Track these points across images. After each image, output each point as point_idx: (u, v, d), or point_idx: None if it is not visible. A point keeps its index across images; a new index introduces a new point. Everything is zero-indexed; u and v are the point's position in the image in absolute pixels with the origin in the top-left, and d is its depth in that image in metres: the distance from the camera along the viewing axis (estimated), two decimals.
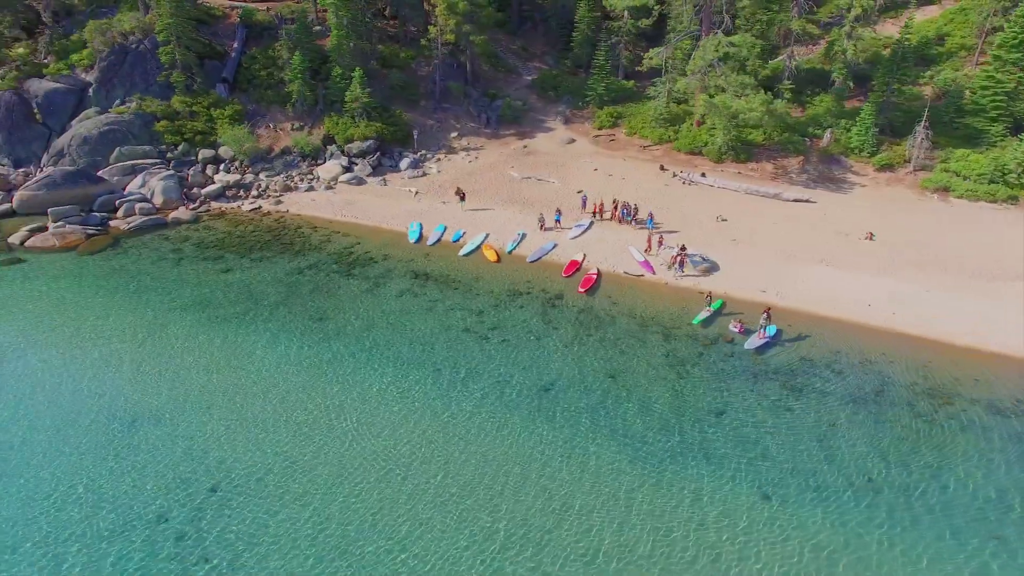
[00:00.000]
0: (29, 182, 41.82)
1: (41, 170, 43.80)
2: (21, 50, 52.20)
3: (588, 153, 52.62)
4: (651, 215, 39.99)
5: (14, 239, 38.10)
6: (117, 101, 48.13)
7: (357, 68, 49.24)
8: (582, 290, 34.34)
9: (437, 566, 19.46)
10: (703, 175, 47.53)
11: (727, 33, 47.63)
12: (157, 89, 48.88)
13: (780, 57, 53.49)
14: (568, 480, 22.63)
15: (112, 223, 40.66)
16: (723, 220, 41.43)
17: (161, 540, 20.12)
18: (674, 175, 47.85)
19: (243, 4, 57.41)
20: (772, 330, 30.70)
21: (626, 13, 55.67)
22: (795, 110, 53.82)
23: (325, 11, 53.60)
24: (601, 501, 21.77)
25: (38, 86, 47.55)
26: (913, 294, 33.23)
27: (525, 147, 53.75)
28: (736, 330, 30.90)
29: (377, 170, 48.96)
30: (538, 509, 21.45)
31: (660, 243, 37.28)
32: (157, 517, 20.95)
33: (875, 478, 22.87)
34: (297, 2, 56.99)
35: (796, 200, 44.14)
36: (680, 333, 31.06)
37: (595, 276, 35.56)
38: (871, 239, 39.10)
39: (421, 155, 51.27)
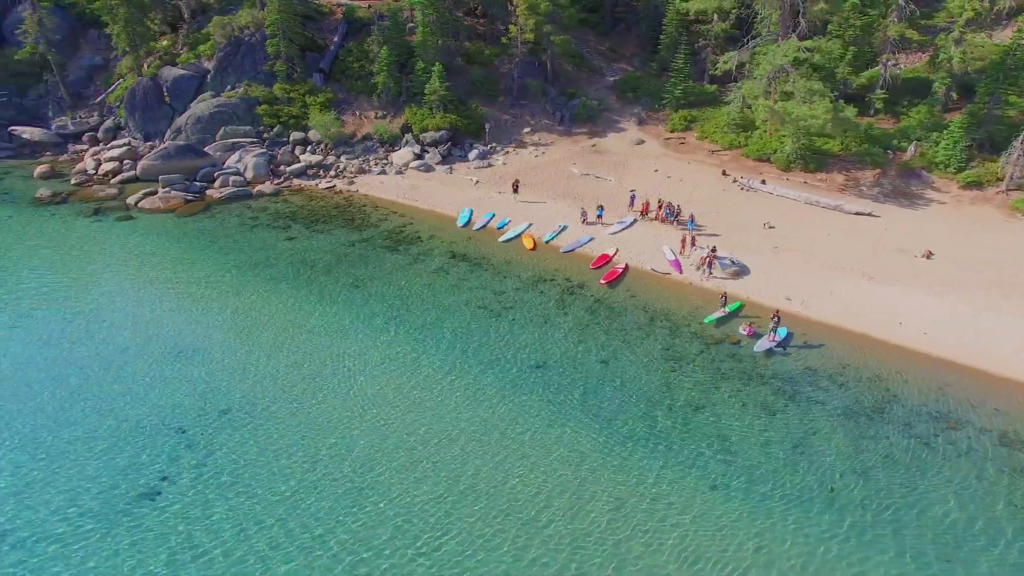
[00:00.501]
0: (150, 153, 48.60)
1: (162, 144, 50.62)
2: (165, 43, 60.37)
3: (655, 155, 52.85)
4: (692, 216, 40.08)
5: (131, 200, 44.64)
6: (229, 86, 54.52)
7: (436, 63, 52.55)
8: (603, 282, 35.35)
9: (403, 488, 21.76)
10: (763, 182, 46.53)
11: (803, 37, 46.24)
12: (263, 77, 54.81)
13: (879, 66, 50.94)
14: (532, 448, 24.13)
15: (208, 192, 46.44)
16: (770, 227, 40.63)
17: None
18: (734, 180, 47.17)
19: (347, 2, 62.57)
20: (783, 332, 30.35)
21: (715, 16, 55.28)
22: (885, 121, 51.17)
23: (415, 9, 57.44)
24: (559, 473, 23.08)
25: (169, 72, 54.89)
26: (960, 316, 31.39)
27: (594, 145, 54.85)
28: (745, 332, 30.80)
29: (446, 159, 52.03)
30: (497, 469, 23.16)
31: (692, 244, 37.40)
32: (179, 428, 24.83)
33: (840, 489, 22.52)
34: (395, 0, 61.36)
35: (858, 213, 42.29)
36: (688, 330, 31.40)
37: (621, 270, 36.40)
38: (929, 257, 36.94)
39: (491, 147, 53.84)
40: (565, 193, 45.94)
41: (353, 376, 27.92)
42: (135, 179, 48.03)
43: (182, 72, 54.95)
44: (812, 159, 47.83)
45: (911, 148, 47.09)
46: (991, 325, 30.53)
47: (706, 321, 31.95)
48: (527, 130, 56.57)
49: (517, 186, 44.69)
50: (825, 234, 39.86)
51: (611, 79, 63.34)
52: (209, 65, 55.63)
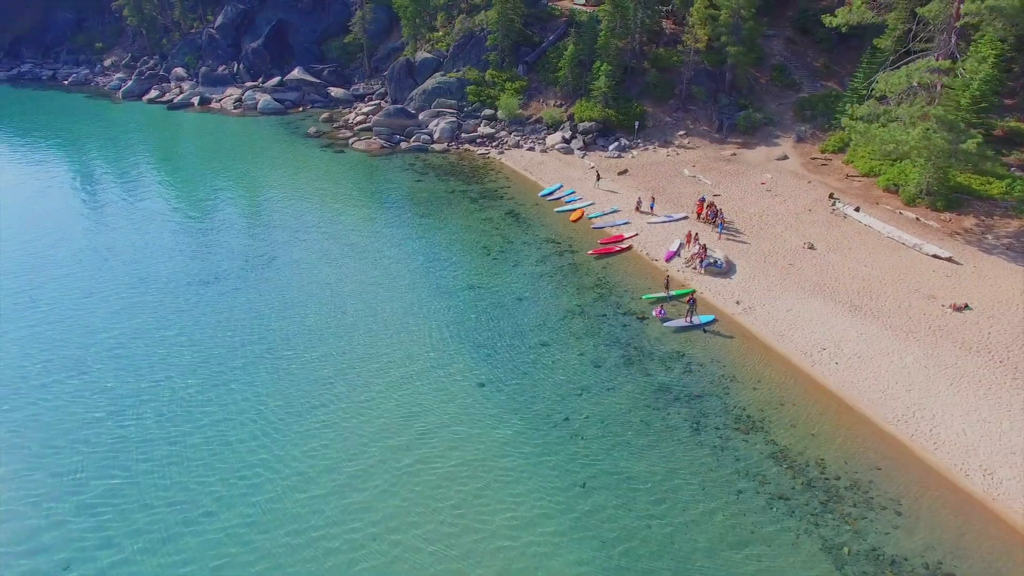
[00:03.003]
0: (380, 112, 66.49)
1: (390, 106, 68.28)
2: (439, 34, 78.73)
3: (786, 170, 51.69)
4: (722, 220, 41.05)
5: (351, 141, 62.69)
6: (456, 69, 69.66)
7: (604, 63, 59.51)
8: (591, 252, 39.96)
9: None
10: (856, 209, 43.21)
11: (951, 59, 41.14)
12: (481, 64, 68.58)
13: None
14: (417, 331, 32.40)
15: (401, 143, 62.06)
16: (810, 247, 39.14)
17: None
18: (832, 205, 44.66)
19: (576, 7, 72.41)
20: (706, 319, 32.15)
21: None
22: None
23: None
24: (420, 360, 31.12)
25: (420, 56, 72.58)
26: (912, 373, 28.69)
27: (733, 155, 55.69)
28: (655, 313, 33.21)
29: (588, 146, 59.03)
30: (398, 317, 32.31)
31: (697, 240, 39.08)
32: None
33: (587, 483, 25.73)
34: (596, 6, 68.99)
35: (935, 256, 37.51)
36: (615, 299, 34.95)
37: (615, 249, 40.33)
38: (960, 310, 32.44)
39: (634, 142, 58.94)
40: (651, 187, 49.48)
41: (381, 251, 39.02)
42: (368, 129, 66.27)
43: (427, 56, 72.03)
44: (943, 197, 42.38)
45: None
46: (941, 403, 27.37)
47: (644, 297, 34.88)
48: (681, 133, 59.76)
49: (599, 175, 50.05)
50: (863, 265, 37.05)
51: (802, 95, 61.47)
52: (447, 52, 71.57)
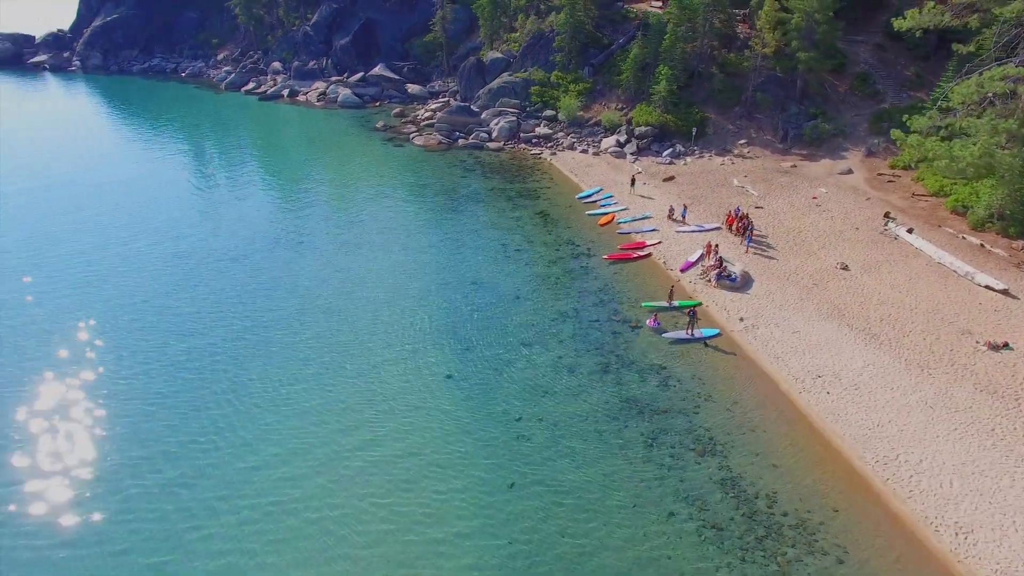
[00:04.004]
0: (444, 111, 67.98)
1: (453, 103, 69.57)
2: (516, 35, 79.31)
3: (846, 186, 47.99)
4: (751, 233, 38.79)
5: (413, 137, 64.52)
6: (523, 69, 69.94)
7: (664, 66, 57.75)
8: (606, 257, 38.96)
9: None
10: (910, 231, 39.39)
11: None
12: (548, 65, 68.44)
13: None
14: (420, 317, 33.10)
15: (460, 140, 63.15)
16: (844, 268, 36.19)
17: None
18: (885, 225, 40.99)
19: (651, 9, 70.56)
20: (709, 333, 30.78)
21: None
22: None
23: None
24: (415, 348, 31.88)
25: (490, 56, 73.44)
26: (911, 411, 26.17)
27: (793, 167, 52.39)
28: (649, 323, 31.95)
29: (641, 151, 57.50)
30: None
31: (716, 252, 37.16)
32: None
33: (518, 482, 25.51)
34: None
35: (987, 287, 33.59)
36: (614, 305, 33.93)
37: (633, 256, 39.09)
38: (997, 349, 28.94)
39: (690, 149, 56.81)
40: (692, 195, 47.49)
41: (400, 241, 40.06)
42: (432, 124, 67.96)
43: (498, 55, 72.80)
44: (1017, 222, 37.93)
45: None
46: (933, 449, 24.76)
47: (643, 305, 33.65)
48: (742, 142, 56.91)
49: (634, 180, 48.61)
50: (896, 290, 33.83)
51: (883, 106, 56.80)
52: (517, 53, 72.00)
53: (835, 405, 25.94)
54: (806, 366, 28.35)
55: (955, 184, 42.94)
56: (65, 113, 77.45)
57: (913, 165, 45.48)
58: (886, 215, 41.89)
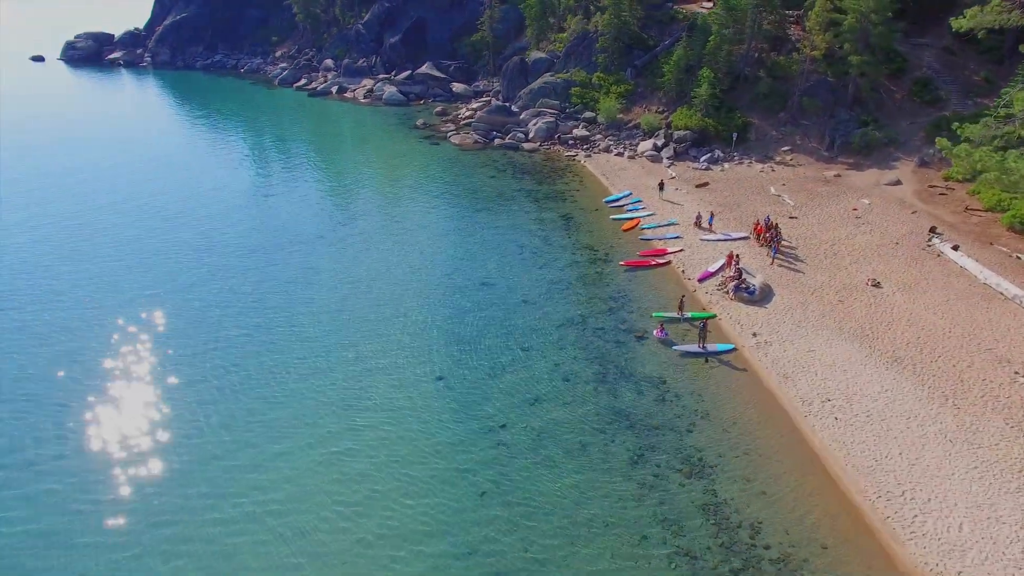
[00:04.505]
0: (483, 110, 67.69)
1: (493, 103, 69.15)
2: (564, 35, 78.38)
3: (892, 198, 45.08)
4: (777, 244, 36.83)
5: (451, 135, 64.48)
6: (566, 70, 68.94)
7: (706, 68, 55.77)
8: (623, 264, 37.69)
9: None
10: (955, 247, 36.54)
11: None
12: (591, 66, 67.22)
13: None
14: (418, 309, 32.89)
15: (496, 140, 62.71)
16: (875, 285, 33.86)
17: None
18: (929, 241, 38.21)
19: (700, 11, 68.27)
20: (723, 348, 29.39)
21: None
22: None
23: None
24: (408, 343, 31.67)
25: (534, 56, 72.71)
26: (943, 443, 24.16)
27: (837, 176, 49.64)
28: (655, 333, 30.63)
29: (679, 156, 55.67)
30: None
31: (738, 262, 35.40)
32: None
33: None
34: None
35: None
36: (626, 314, 32.69)
37: (651, 263, 37.69)
38: None
39: (729, 155, 54.63)
40: (724, 202, 45.56)
41: (418, 239, 40.00)
42: (471, 124, 67.80)
43: (541, 56, 72.03)
44: None
45: None
46: (946, 487, 22.73)
47: (654, 315, 32.30)
48: (786, 148, 54.38)
49: (663, 185, 46.97)
50: (930, 311, 31.36)
51: (943, 114, 53.13)
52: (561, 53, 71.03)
53: (842, 432, 24.10)
54: (817, 388, 26.50)
55: (1015, 198, 39.60)
56: (121, 105, 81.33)
57: (966, 177, 42.23)
58: (931, 230, 39.03)
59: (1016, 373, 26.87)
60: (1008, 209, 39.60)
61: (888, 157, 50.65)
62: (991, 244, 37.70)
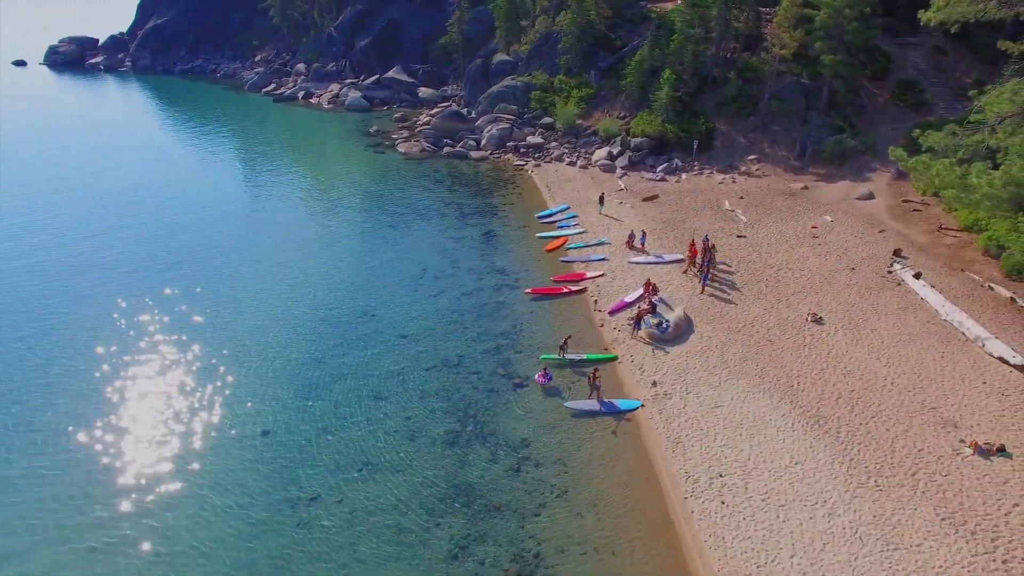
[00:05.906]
0: (437, 116, 63.27)
1: (445, 109, 64.74)
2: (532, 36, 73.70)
3: (860, 214, 39.57)
4: (708, 269, 31.70)
5: (399, 143, 60.09)
6: (527, 73, 64.25)
7: (667, 70, 50.73)
8: (528, 291, 32.84)
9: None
10: (916, 275, 31.07)
11: None
12: (554, 68, 62.46)
13: None
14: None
15: (444, 149, 58.16)
16: (816, 321, 28.57)
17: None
18: (891, 266, 32.78)
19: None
20: (627, 406, 24.33)
21: None
22: None
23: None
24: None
25: (497, 58, 68.14)
26: (852, 540, 19.05)
27: (804, 188, 44.19)
28: (538, 379, 25.76)
29: (635, 165, 50.58)
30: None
31: (655, 293, 30.39)
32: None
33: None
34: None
35: (1001, 359, 25.24)
36: (513, 355, 27.93)
37: (563, 290, 32.85)
38: (988, 454, 21.03)
39: (689, 164, 49.48)
40: (665, 219, 40.43)
41: (311, 254, 35.70)
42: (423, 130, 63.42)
43: (504, 58, 67.44)
44: None
45: None
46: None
47: (542, 358, 27.40)
48: (752, 157, 49.03)
49: (603, 198, 42.04)
50: (875, 356, 26.02)
51: (928, 119, 47.44)
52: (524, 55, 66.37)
53: (725, 522, 18.99)
54: (712, 459, 21.41)
55: (992, 218, 33.93)
56: (80, 108, 78.44)
57: (934, 192, 36.74)
58: (896, 253, 33.60)
59: (961, 442, 21.47)
60: (985, 230, 33.92)
61: (864, 167, 45.08)
62: (962, 270, 32.14)
